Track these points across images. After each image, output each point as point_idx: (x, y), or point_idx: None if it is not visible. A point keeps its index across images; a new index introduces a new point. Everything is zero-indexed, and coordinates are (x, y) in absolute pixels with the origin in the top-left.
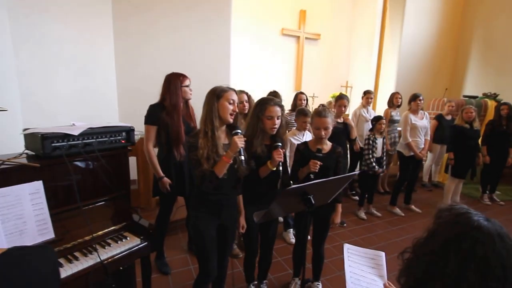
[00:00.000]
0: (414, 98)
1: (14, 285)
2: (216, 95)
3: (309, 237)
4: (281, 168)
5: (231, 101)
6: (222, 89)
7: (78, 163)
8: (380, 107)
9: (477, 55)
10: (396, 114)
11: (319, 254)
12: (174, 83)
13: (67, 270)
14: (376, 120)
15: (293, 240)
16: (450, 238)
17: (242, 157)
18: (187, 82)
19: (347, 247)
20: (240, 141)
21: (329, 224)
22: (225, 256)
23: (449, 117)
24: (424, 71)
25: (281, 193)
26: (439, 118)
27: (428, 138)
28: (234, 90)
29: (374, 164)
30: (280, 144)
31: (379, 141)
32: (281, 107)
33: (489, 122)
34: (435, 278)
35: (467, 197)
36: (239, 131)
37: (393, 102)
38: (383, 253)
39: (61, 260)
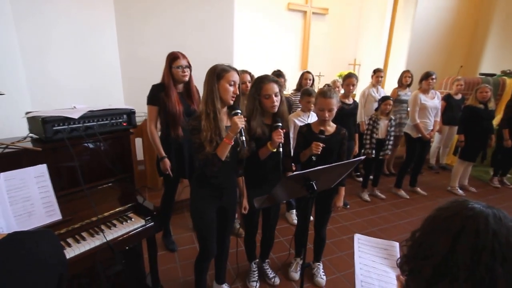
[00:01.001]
0: (426, 76)
1: (16, 269)
2: (217, 74)
3: (311, 217)
4: (281, 150)
5: (232, 83)
6: (223, 69)
7: (81, 146)
8: (389, 86)
9: (497, 30)
10: (404, 94)
11: (321, 236)
12: (167, 63)
13: (75, 250)
14: (382, 100)
15: (295, 221)
16: (441, 219)
17: (243, 138)
18: (178, 63)
19: (357, 237)
20: (240, 122)
21: (331, 207)
22: (226, 236)
23: (458, 97)
24: (438, 48)
25: (283, 180)
26: (447, 98)
27: (438, 119)
28: (236, 70)
29: (368, 147)
30: (280, 124)
31: (383, 122)
32: (278, 83)
33: (510, 104)
34: (425, 258)
35: (476, 180)
36: (238, 111)
37: (402, 81)
38: (396, 244)
39: (69, 240)
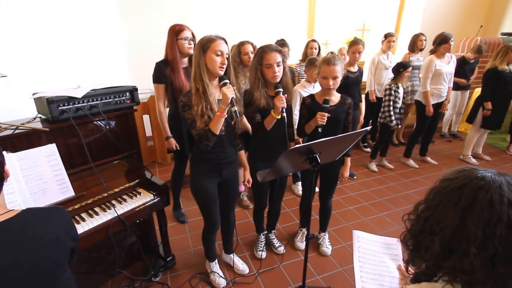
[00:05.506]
0: (446, 40)
1: (28, 245)
2: (202, 47)
3: (317, 188)
4: (285, 115)
5: (219, 53)
6: (209, 39)
7: (87, 125)
8: (400, 52)
9: None
10: (416, 59)
11: (326, 208)
12: (170, 35)
13: (89, 224)
14: (405, 67)
15: (301, 192)
16: (448, 191)
17: (235, 108)
18: (184, 34)
19: (357, 235)
20: (229, 92)
21: (337, 178)
22: (230, 209)
23: (472, 60)
24: (457, 7)
25: (285, 153)
26: (460, 61)
27: (452, 85)
28: (223, 39)
29: (393, 118)
30: (281, 90)
31: (401, 90)
32: (280, 52)
33: None
34: (433, 234)
35: (491, 148)
36: (227, 81)
37: (416, 45)
38: (395, 240)
39: (83, 215)
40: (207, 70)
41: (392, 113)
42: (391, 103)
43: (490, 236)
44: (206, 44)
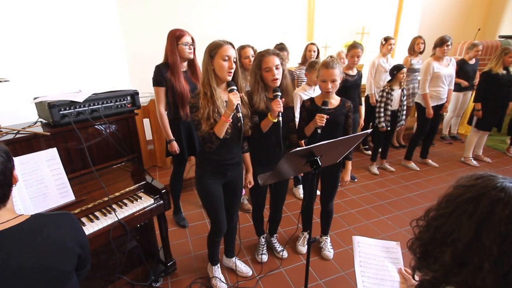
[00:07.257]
0: (442, 42)
1: (35, 251)
2: (209, 52)
3: (318, 192)
4: (280, 119)
5: (226, 58)
6: (216, 45)
7: (88, 129)
8: (399, 56)
9: None
10: (417, 62)
11: (328, 211)
12: (170, 40)
13: (89, 229)
14: (398, 69)
15: (302, 196)
16: (463, 200)
17: (240, 114)
18: (184, 40)
19: (357, 241)
20: (235, 98)
21: (338, 182)
22: (234, 211)
23: (472, 61)
24: (454, 10)
25: (286, 156)
26: (460, 63)
27: (452, 87)
28: (230, 44)
29: (382, 120)
30: (279, 93)
31: (396, 92)
32: (279, 55)
33: None
34: (444, 245)
35: (492, 150)
36: (234, 87)
37: (414, 48)
38: (394, 243)
39: (84, 220)
40: (215, 75)
41: (382, 114)
42: (382, 105)
43: (507, 253)
44: (213, 50)
